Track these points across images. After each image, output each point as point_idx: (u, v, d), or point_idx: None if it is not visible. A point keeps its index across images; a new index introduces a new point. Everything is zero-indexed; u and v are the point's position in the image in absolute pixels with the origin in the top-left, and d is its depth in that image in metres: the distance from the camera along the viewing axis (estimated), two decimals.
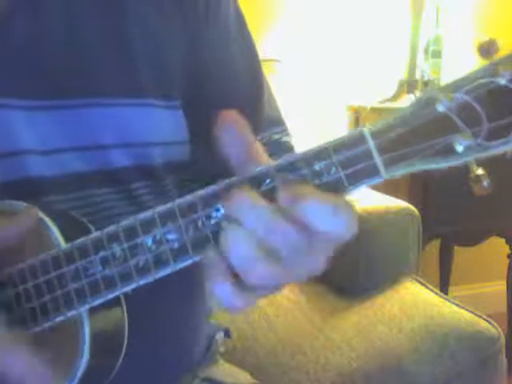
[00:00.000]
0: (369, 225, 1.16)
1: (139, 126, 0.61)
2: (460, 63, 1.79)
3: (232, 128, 0.42)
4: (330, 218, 0.39)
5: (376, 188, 1.24)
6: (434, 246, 2.00)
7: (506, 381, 1.09)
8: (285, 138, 0.73)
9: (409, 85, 1.83)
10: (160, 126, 0.63)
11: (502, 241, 1.87)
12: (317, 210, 0.39)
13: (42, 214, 0.50)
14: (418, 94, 1.79)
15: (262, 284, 0.41)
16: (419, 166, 0.39)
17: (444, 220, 1.69)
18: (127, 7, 0.61)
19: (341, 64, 1.77)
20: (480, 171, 0.39)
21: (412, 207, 1.22)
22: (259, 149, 0.42)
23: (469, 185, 0.39)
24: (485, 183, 0.39)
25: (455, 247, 2.02)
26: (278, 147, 0.72)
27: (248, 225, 0.40)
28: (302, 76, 1.70)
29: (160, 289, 0.62)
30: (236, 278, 0.41)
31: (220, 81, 0.68)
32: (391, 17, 1.82)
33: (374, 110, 1.70)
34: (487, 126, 0.36)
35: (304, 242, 0.39)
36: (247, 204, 0.40)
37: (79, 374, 0.48)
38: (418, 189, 1.65)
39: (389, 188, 1.39)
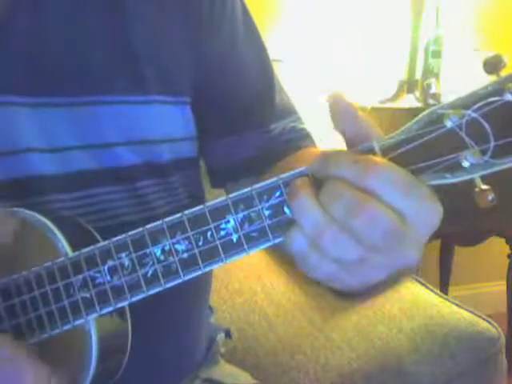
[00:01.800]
0: None
1: (144, 123, 0.61)
2: (460, 63, 1.79)
3: (345, 107, 0.41)
4: (401, 192, 0.38)
5: None
6: (434, 246, 2.00)
7: (506, 381, 1.09)
8: (301, 126, 0.73)
9: (409, 85, 1.83)
10: (166, 123, 0.63)
11: (502, 241, 1.87)
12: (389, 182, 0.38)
13: (47, 221, 0.49)
14: (417, 94, 1.79)
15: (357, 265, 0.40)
16: (428, 181, 0.39)
17: (444, 220, 1.68)
18: (127, 5, 0.61)
19: (341, 64, 1.77)
20: (485, 186, 0.39)
21: None
22: (368, 123, 0.42)
23: (474, 198, 0.39)
24: (489, 197, 0.39)
25: (455, 247, 2.02)
26: (296, 134, 0.72)
27: (303, 226, 0.39)
28: (302, 76, 1.70)
29: (160, 292, 0.62)
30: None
31: (229, 75, 0.68)
32: (391, 17, 1.82)
33: (374, 109, 1.70)
34: (494, 143, 0.36)
35: (393, 225, 0.38)
36: (303, 205, 0.39)
37: (88, 381, 0.48)
38: None
39: None
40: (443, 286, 2.01)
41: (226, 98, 0.68)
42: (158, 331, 0.65)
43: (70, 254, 0.47)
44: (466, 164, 0.37)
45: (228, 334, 0.85)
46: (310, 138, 0.73)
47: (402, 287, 1.18)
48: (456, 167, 0.38)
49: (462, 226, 1.73)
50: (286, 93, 0.74)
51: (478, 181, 0.39)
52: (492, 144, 0.37)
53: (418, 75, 1.82)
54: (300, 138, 0.71)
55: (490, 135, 0.36)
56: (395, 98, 1.82)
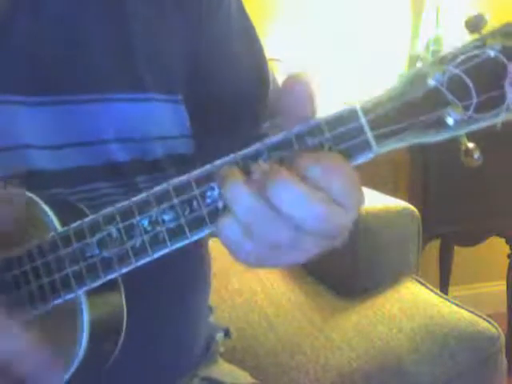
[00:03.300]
0: (368, 225, 1.16)
1: (140, 121, 0.61)
2: None
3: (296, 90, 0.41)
4: (301, 206, 0.38)
5: (376, 188, 1.24)
6: (434, 246, 2.00)
7: (506, 381, 1.09)
8: None
9: None
10: (161, 121, 0.63)
11: (502, 241, 1.87)
12: (290, 194, 0.38)
13: (38, 200, 0.50)
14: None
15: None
16: (410, 140, 0.39)
17: (444, 220, 1.69)
18: (127, 4, 0.61)
19: (341, 64, 1.77)
20: (471, 144, 0.39)
21: (412, 207, 1.22)
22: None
23: (460, 158, 0.39)
24: (475, 156, 0.39)
25: (455, 247, 2.02)
26: None
27: (236, 213, 0.40)
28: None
29: (159, 287, 0.62)
30: None
31: (223, 75, 0.68)
32: (391, 17, 1.82)
33: None
34: (477, 98, 0.37)
35: (286, 232, 0.39)
36: (235, 191, 0.40)
37: (76, 362, 0.48)
38: (418, 189, 1.65)
39: (389, 188, 1.39)
40: (443, 286, 2.01)
41: (219, 98, 0.68)
42: (156, 329, 0.65)
43: (60, 229, 0.48)
44: (450, 121, 0.37)
45: (227, 334, 0.85)
46: None
47: (401, 287, 1.18)
48: (440, 124, 0.38)
49: (462, 226, 1.73)
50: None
51: (464, 139, 0.38)
52: (475, 100, 0.37)
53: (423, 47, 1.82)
54: None
55: (473, 91, 0.37)
56: None
